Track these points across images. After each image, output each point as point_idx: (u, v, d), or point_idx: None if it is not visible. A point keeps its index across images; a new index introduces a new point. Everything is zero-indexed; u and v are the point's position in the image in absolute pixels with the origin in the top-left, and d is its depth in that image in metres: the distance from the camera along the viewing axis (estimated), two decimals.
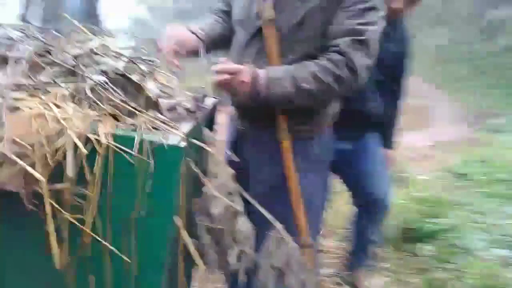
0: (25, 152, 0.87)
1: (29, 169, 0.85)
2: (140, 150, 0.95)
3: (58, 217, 0.90)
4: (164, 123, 1.07)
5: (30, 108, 0.93)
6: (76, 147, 0.91)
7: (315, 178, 1.50)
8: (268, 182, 1.49)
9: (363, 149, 2.07)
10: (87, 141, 0.92)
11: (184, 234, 1.11)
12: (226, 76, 1.27)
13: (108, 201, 0.95)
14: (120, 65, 1.21)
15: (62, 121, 0.92)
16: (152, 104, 1.12)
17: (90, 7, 4.60)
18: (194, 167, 1.14)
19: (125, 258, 0.97)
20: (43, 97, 0.98)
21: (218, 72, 1.27)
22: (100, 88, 1.05)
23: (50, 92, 1.02)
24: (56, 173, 0.90)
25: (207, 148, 1.32)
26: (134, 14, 16.71)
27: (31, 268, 0.98)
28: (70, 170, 0.90)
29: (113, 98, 1.04)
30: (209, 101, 1.68)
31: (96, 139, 0.92)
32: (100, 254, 0.96)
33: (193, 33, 1.51)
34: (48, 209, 0.86)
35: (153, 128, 1.04)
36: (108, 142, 0.93)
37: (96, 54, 1.26)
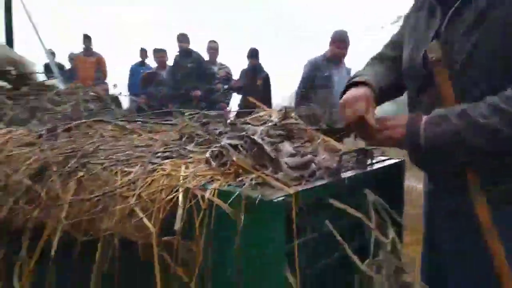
0: (147, 207, 1.00)
1: (145, 221, 0.97)
2: (238, 206, 0.93)
3: (171, 269, 0.96)
4: (278, 180, 1.02)
5: (163, 170, 1.08)
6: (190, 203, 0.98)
7: None
8: (470, 267, 1.16)
9: None
10: (195, 196, 0.98)
11: None
12: (374, 134, 1.14)
13: (211, 256, 0.95)
14: (259, 130, 1.27)
15: (181, 180, 1.02)
16: (273, 163, 1.09)
17: None
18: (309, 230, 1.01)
19: None
20: (177, 161, 1.12)
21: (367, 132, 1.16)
22: (230, 151, 1.11)
23: (191, 157, 1.17)
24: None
25: (354, 213, 1.17)
26: None
27: None
28: (178, 224, 0.96)
29: (235, 159, 1.08)
30: (387, 161, 1.50)
31: (202, 195, 0.97)
32: None
33: (366, 84, 1.40)
34: (155, 257, 0.94)
35: (264, 184, 1.01)
36: (210, 197, 0.95)
37: (248, 124, 1.37)
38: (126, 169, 1.11)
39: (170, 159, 1.15)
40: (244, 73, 6.72)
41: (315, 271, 1.10)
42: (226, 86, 6.46)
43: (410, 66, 1.25)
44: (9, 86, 2.40)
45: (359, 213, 1.17)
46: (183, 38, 6.14)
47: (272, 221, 0.91)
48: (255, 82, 6.56)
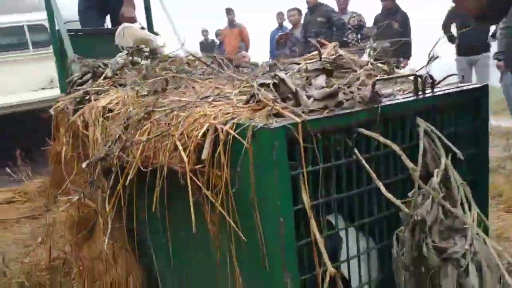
0: (185, 142, 1.18)
1: (182, 153, 1.15)
2: (250, 136, 1.02)
3: (203, 193, 1.13)
4: (291, 111, 1.07)
5: (200, 112, 1.23)
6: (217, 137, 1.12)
7: None
8: None
9: None
10: (216, 130, 1.11)
11: (312, 224, 1.01)
12: None
13: (231, 181, 1.08)
14: (297, 67, 1.30)
15: (211, 119, 1.16)
16: (294, 95, 1.13)
17: None
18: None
19: (241, 235, 1.05)
20: (215, 102, 1.26)
21: None
22: (256, 89, 1.20)
23: (229, 99, 1.30)
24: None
25: (385, 142, 1.13)
26: None
27: (184, 226, 1.24)
28: (204, 154, 1.11)
29: (260, 96, 1.16)
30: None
31: (221, 128, 1.09)
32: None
33: None
34: (188, 182, 1.12)
35: (279, 115, 1.07)
36: (227, 129, 1.07)
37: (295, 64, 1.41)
38: (180, 113, 1.31)
39: (214, 102, 1.30)
40: (377, 18, 6.30)
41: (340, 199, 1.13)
42: (359, 36, 6.18)
43: None
44: (143, 62, 2.87)
45: (389, 142, 1.13)
46: None
47: (274, 147, 0.98)
48: (391, 26, 6.09)
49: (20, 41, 6.77)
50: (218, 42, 9.46)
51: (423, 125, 1.25)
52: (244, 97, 1.30)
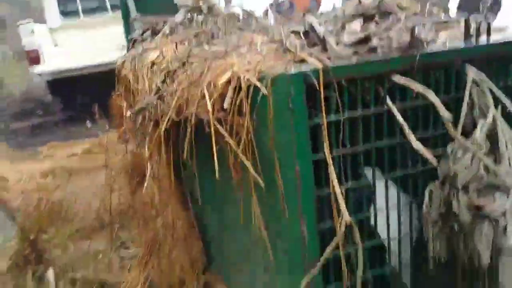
0: (212, 91, 1.16)
1: (208, 101, 1.14)
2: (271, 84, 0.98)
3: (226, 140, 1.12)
4: (319, 59, 0.99)
5: (230, 61, 1.20)
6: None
7: None
8: None
9: None
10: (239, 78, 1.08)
11: (331, 173, 0.96)
12: None
13: (254, 127, 1.05)
14: (332, 14, 1.21)
15: (235, 67, 1.13)
16: (321, 41, 1.04)
17: None
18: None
19: (260, 181, 1.03)
20: (245, 52, 1.22)
21: None
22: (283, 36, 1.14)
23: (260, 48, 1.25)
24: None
25: (420, 89, 1.03)
26: None
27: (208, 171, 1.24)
28: (226, 102, 1.09)
29: (287, 43, 1.10)
30: None
31: (243, 76, 1.06)
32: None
33: None
34: (212, 130, 1.11)
35: (303, 62, 1.01)
36: (248, 76, 1.04)
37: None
38: (212, 63, 1.29)
39: (245, 52, 1.26)
40: None
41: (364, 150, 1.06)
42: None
43: None
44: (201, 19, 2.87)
45: (424, 88, 1.02)
46: None
47: (290, 94, 0.93)
48: None
49: (101, 4, 7.12)
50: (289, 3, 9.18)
51: (472, 73, 1.10)
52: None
